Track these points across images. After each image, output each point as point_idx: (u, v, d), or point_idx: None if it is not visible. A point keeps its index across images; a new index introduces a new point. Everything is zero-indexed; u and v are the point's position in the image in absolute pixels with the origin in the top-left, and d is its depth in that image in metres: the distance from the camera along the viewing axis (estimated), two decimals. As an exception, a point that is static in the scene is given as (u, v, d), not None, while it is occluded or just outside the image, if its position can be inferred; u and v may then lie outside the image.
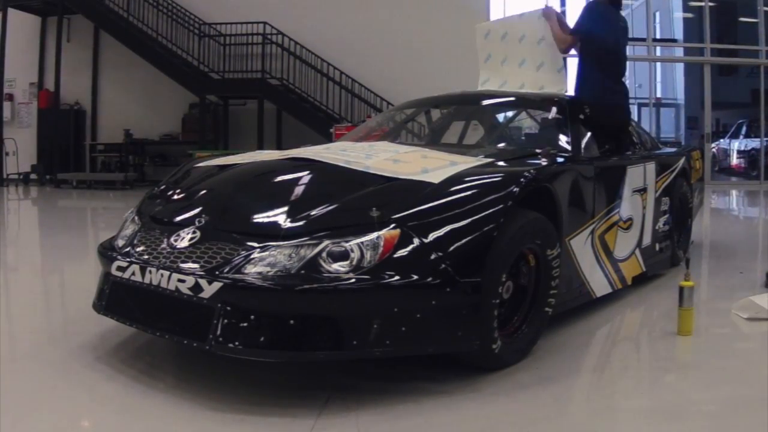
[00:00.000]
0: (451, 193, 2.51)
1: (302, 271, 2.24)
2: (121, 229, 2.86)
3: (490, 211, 2.48)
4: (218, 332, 2.22)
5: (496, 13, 14.61)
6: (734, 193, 13.26)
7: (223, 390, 2.27)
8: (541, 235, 2.72)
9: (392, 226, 2.33)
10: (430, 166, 2.73)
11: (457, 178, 2.60)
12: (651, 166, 4.10)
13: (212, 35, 13.14)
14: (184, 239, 2.48)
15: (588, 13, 3.99)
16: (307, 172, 2.83)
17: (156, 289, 2.38)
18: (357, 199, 2.52)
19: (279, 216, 2.47)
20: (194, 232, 2.49)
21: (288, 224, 2.41)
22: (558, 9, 15.70)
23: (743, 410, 2.28)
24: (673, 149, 5.25)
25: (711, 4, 15.31)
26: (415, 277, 2.27)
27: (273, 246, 2.32)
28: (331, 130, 10.44)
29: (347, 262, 2.25)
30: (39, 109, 14.40)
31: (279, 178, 2.88)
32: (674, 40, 18.58)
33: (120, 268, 2.55)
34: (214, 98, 13.66)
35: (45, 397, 2.35)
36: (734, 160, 16.94)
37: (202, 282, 2.27)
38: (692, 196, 5.01)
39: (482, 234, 2.42)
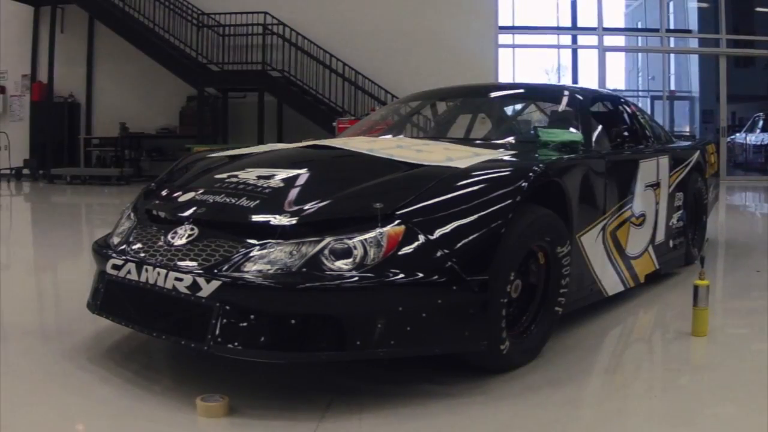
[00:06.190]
0: (457, 188, 2.47)
1: (304, 269, 2.19)
2: (117, 226, 2.82)
3: (498, 206, 2.43)
4: (217, 332, 2.18)
5: (503, 4, 14.53)
6: (750, 189, 13.15)
7: (221, 393, 2.22)
8: (550, 231, 2.67)
9: (397, 222, 2.28)
10: (453, 155, 2.77)
11: (464, 173, 2.54)
12: (664, 161, 4.04)
13: (211, 26, 13.04)
14: (181, 236, 2.43)
15: None
16: (308, 167, 2.79)
17: (152, 288, 2.34)
18: (359, 194, 2.46)
19: (280, 212, 2.40)
20: (192, 229, 2.44)
21: (289, 220, 2.35)
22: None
23: (760, 414, 2.22)
24: (688, 143, 5.15)
25: (726, -7, 15.12)
26: (421, 275, 2.22)
27: (273, 243, 2.27)
28: (334, 124, 10.36)
29: (350, 260, 2.21)
30: (32, 101, 14.22)
31: (280, 173, 2.80)
32: (689, 31, 18.41)
33: (115, 267, 2.50)
34: (212, 91, 13.58)
35: (37, 400, 2.31)
36: (750, 155, 16.68)
37: (200, 280, 2.23)
38: (707, 192, 4.92)
39: (490, 230, 2.38)
